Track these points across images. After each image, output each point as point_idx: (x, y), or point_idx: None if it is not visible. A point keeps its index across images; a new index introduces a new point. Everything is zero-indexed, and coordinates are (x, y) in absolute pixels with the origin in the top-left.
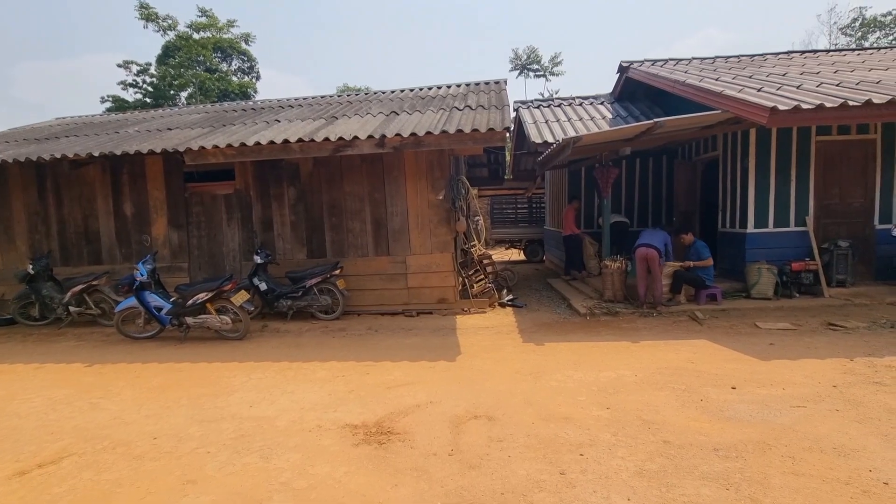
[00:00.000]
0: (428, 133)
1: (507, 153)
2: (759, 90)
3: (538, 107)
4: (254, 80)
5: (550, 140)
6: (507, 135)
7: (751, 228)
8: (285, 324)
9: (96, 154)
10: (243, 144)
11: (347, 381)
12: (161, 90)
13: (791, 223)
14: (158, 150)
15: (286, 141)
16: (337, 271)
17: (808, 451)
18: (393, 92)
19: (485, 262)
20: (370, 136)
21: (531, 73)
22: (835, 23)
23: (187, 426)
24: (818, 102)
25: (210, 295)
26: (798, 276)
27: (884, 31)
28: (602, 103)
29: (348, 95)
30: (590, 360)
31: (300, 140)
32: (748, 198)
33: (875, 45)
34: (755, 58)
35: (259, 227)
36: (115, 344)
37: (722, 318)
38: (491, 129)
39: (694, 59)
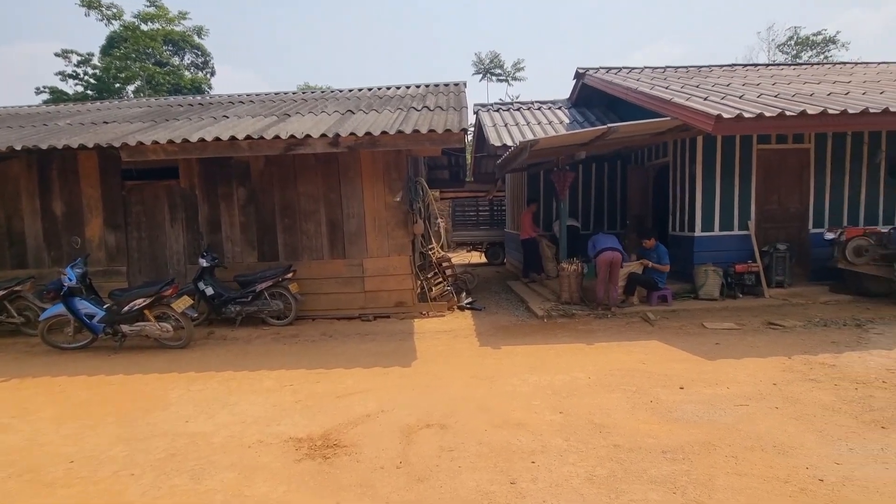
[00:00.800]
0: (384, 133)
1: (467, 155)
2: (705, 99)
3: (498, 110)
4: (208, 76)
5: (509, 143)
6: (465, 136)
7: (698, 232)
8: (233, 330)
9: (18, 147)
10: (186, 141)
11: (296, 391)
12: (105, 83)
13: (735, 227)
14: (90, 145)
15: (234, 138)
16: (289, 275)
17: (750, 449)
18: (350, 91)
19: (444, 264)
20: (323, 135)
21: (494, 78)
22: (773, 40)
23: (111, 446)
24: (758, 112)
25: (148, 301)
26: (741, 278)
27: (815, 50)
28: (559, 108)
29: (303, 93)
30: (545, 363)
31: (249, 137)
32: (696, 202)
33: (808, 61)
34: (702, 69)
35: (206, 228)
36: (39, 356)
37: (672, 319)
38: (448, 131)
39: (646, 68)
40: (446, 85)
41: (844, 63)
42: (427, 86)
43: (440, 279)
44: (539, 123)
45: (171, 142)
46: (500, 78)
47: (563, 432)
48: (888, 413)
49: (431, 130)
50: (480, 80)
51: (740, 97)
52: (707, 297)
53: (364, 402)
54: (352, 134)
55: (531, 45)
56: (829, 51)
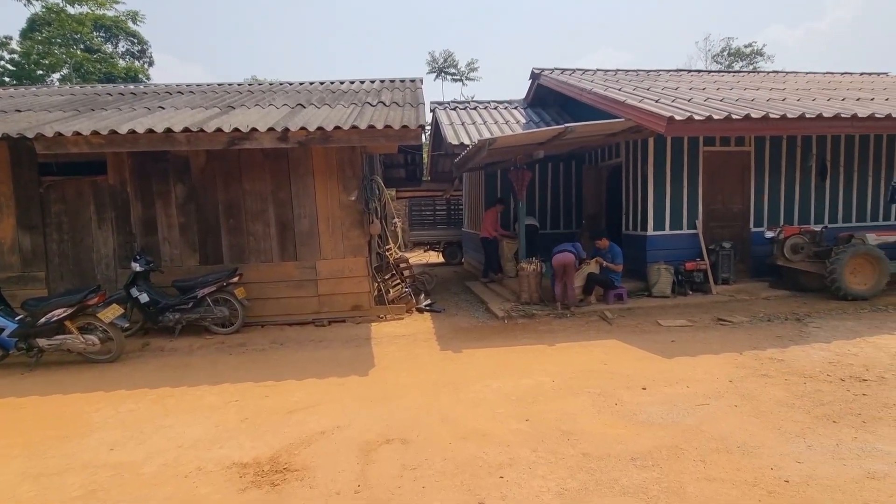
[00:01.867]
0: (337, 128)
1: (424, 154)
2: (657, 101)
3: (455, 109)
4: (145, 66)
5: (467, 142)
6: (423, 133)
7: (651, 231)
8: (172, 341)
9: None
10: (115, 133)
11: (241, 408)
12: (25, 69)
13: (684, 226)
14: None
15: (170, 131)
16: (235, 279)
17: (717, 452)
18: (301, 84)
19: (401, 265)
20: (271, 129)
21: (448, 77)
22: (709, 50)
23: (16, 485)
24: (707, 114)
25: (70, 311)
26: (691, 275)
27: (745, 60)
28: (516, 108)
29: (250, 84)
30: (508, 366)
31: (187, 130)
32: (648, 202)
33: (744, 70)
34: (651, 73)
35: (139, 229)
36: None
37: (628, 317)
38: (405, 127)
39: (598, 70)
40: (402, 81)
41: (777, 72)
42: (382, 81)
43: (398, 281)
44: (496, 123)
45: (96, 134)
46: (455, 77)
47: (531, 442)
48: (836, 407)
49: (388, 126)
50: (435, 79)
51: (689, 100)
52: (660, 294)
53: (318, 418)
54: (302, 128)
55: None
56: (756, 61)
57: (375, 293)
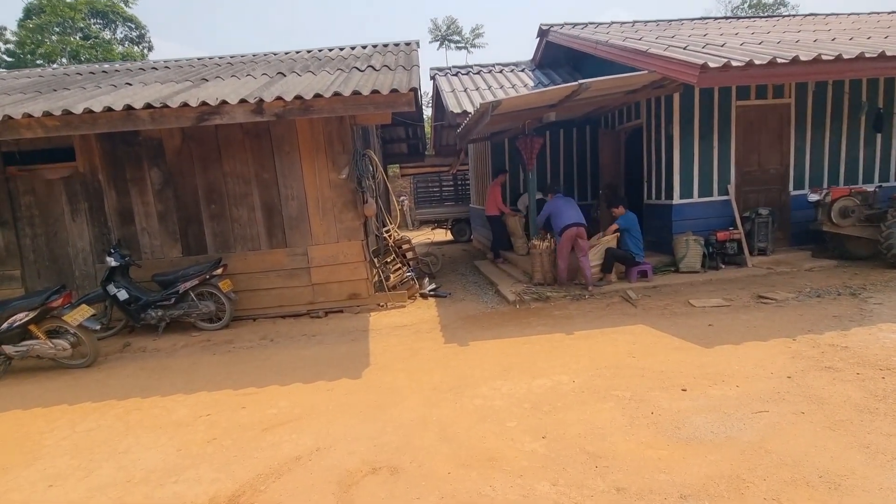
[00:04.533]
0: (317, 96)
1: (427, 127)
2: (685, 48)
3: (456, 74)
4: (145, 52)
5: (470, 110)
6: (416, 98)
7: (677, 199)
8: (155, 340)
9: None
10: (69, 113)
11: (212, 424)
12: (21, 59)
13: (714, 192)
14: None
15: (130, 108)
16: (219, 270)
17: (793, 485)
18: (286, 53)
19: (403, 247)
20: (243, 101)
21: (452, 45)
22: (729, 2)
23: None
24: (747, 59)
25: (32, 315)
26: (723, 247)
27: (769, 12)
28: (523, 70)
29: (231, 57)
30: (521, 362)
31: (149, 106)
32: (673, 167)
33: (779, 14)
34: (673, 22)
35: (115, 219)
36: None
37: (654, 297)
38: (395, 91)
39: (614, 23)
40: (396, 45)
41: (815, 14)
42: (375, 46)
43: (399, 264)
44: (501, 87)
45: (48, 114)
46: (459, 45)
47: (550, 469)
48: None
49: (375, 92)
50: (438, 48)
51: (722, 45)
52: (688, 269)
53: (297, 437)
54: (278, 98)
55: (488, 10)
56: (780, 13)
57: (375, 279)
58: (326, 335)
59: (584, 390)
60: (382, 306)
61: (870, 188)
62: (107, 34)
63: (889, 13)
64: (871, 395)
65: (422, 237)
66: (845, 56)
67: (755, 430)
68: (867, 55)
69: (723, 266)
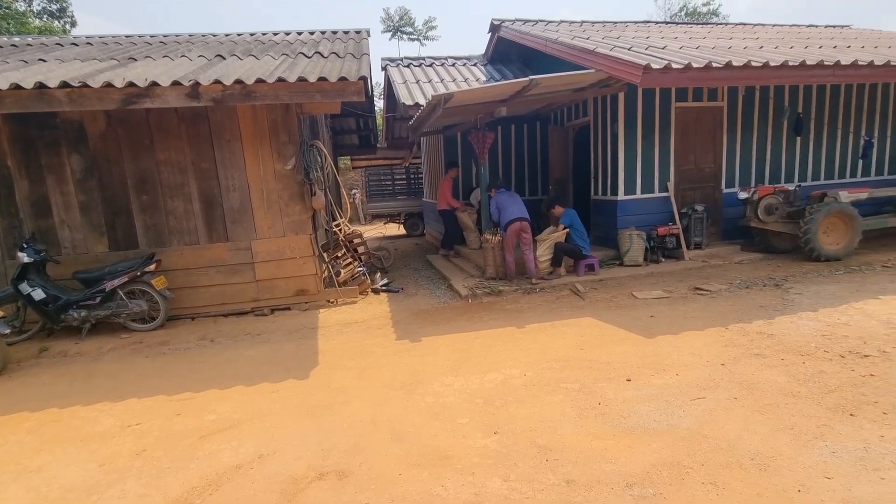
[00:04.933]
0: (260, 81)
1: (378, 119)
2: (629, 49)
3: (408, 66)
4: (66, 27)
5: (422, 102)
6: (367, 88)
7: (622, 196)
8: (78, 343)
9: None
10: None
11: (142, 434)
12: None
13: (655, 189)
14: None
15: (43, 86)
16: (152, 266)
17: (728, 467)
18: (227, 36)
19: (354, 241)
20: (176, 84)
21: (405, 37)
22: (668, 9)
23: None
24: (686, 62)
25: None
26: (663, 241)
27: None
28: (475, 65)
29: (165, 36)
30: (473, 356)
31: (67, 85)
32: (618, 164)
33: (714, 21)
34: (618, 24)
35: (28, 211)
36: None
37: (601, 290)
38: (343, 79)
39: (563, 21)
40: (346, 32)
41: (745, 24)
42: (323, 32)
43: (350, 259)
44: (454, 80)
45: None
46: (412, 37)
47: (502, 465)
48: (847, 394)
49: (322, 79)
50: (391, 39)
51: (663, 48)
52: (632, 263)
53: (237, 444)
54: (217, 82)
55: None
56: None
57: (324, 275)
58: (272, 334)
59: (534, 383)
60: (332, 303)
61: (791, 187)
62: (21, 5)
63: (808, 26)
64: (795, 380)
65: (374, 231)
66: (772, 63)
67: (694, 417)
68: (790, 63)
69: (663, 259)
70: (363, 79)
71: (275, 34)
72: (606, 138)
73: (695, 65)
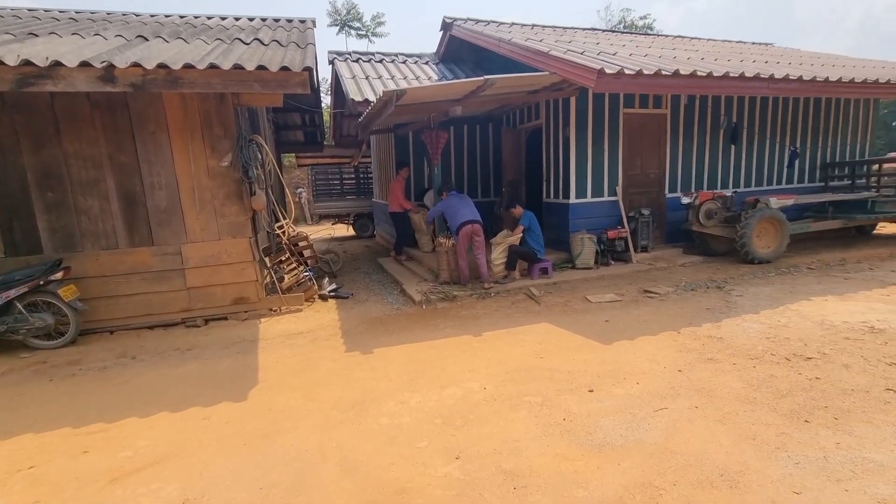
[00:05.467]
0: (188, 67)
1: (325, 115)
2: (582, 54)
3: (357, 60)
4: None
5: (372, 98)
6: (311, 80)
7: (573, 199)
8: None
9: None
10: None
11: (36, 480)
12: None
13: (605, 193)
14: None
15: None
16: (58, 274)
17: (700, 487)
18: (153, 16)
19: (300, 244)
20: (86, 64)
21: (352, 32)
22: (609, 20)
23: None
24: (638, 68)
25: None
26: (613, 244)
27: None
28: (427, 63)
29: (77, 12)
30: (429, 369)
31: None
32: (570, 168)
33: (656, 33)
34: (567, 29)
35: None
36: None
37: (556, 294)
38: (285, 69)
39: (515, 24)
40: (289, 21)
41: (683, 37)
42: (264, 19)
43: (294, 264)
44: (405, 78)
45: None
46: (360, 33)
47: (466, 496)
48: (799, 399)
49: (262, 67)
50: (338, 33)
51: (614, 55)
52: (584, 266)
53: (158, 486)
54: (136, 65)
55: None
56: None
57: (266, 281)
58: (205, 348)
59: (495, 398)
60: (275, 311)
61: (728, 193)
62: None
63: (737, 42)
64: (748, 385)
65: (323, 232)
66: (715, 73)
67: (659, 430)
68: (731, 74)
69: (612, 262)
70: (308, 70)
71: (209, 17)
72: (558, 141)
73: (646, 71)
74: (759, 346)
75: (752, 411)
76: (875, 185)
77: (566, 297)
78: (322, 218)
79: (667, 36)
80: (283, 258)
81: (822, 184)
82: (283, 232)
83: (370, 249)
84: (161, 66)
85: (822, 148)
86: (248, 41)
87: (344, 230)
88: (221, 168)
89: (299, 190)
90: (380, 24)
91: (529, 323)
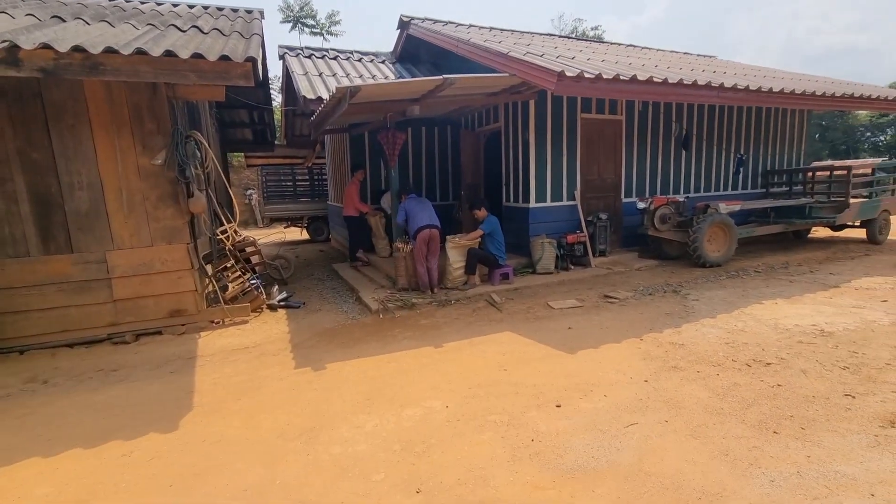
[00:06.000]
0: (110, 52)
1: (277, 113)
2: (541, 56)
3: (310, 56)
4: None
5: (325, 96)
6: (255, 72)
7: (533, 203)
8: None
9: None
10: None
11: None
12: None
13: (564, 198)
14: None
15: None
16: None
17: None
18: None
19: (247, 250)
20: None
21: (306, 30)
22: (562, 29)
23: None
24: (597, 72)
25: None
26: (572, 248)
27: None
28: (383, 62)
29: None
30: (387, 386)
31: None
32: (529, 172)
33: (610, 41)
34: (525, 34)
35: None
36: None
37: (517, 300)
38: (226, 59)
39: (473, 25)
40: (235, 10)
41: (635, 45)
42: (206, 7)
43: (240, 271)
44: (360, 76)
45: None
46: (315, 31)
47: None
48: (764, 408)
49: (198, 56)
50: (291, 30)
51: (572, 58)
52: (544, 270)
53: None
54: (46, 47)
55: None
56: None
57: (208, 290)
58: (133, 368)
59: (458, 417)
60: (218, 324)
61: (680, 198)
62: None
63: (684, 53)
64: (714, 394)
65: (275, 236)
66: (670, 80)
67: (631, 449)
68: (685, 82)
69: (572, 267)
70: (251, 60)
71: (142, 2)
72: (518, 145)
73: (605, 76)
74: (720, 351)
75: (721, 423)
76: (810, 191)
77: (528, 303)
78: (273, 221)
79: (620, 44)
80: (227, 265)
81: (764, 190)
82: (228, 237)
83: (325, 254)
84: (77, 49)
85: (762, 156)
86: (184, 28)
87: (297, 234)
88: (154, 167)
89: (249, 191)
90: (335, 23)
91: (492, 332)
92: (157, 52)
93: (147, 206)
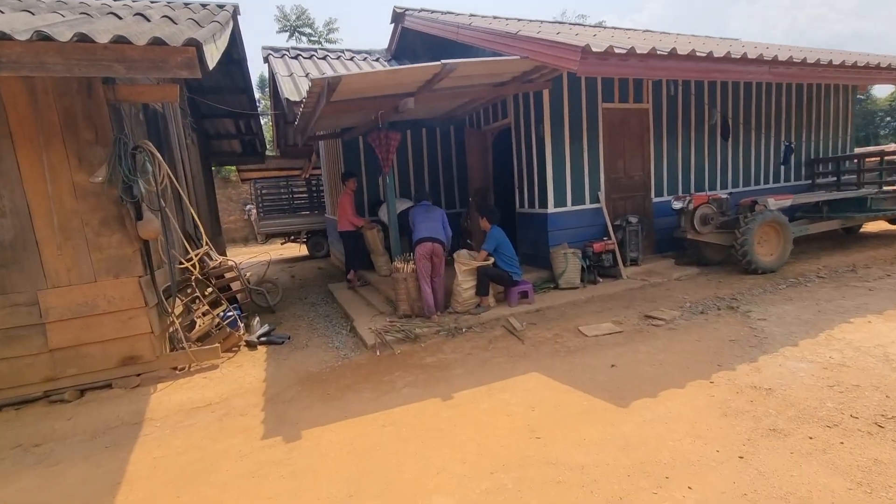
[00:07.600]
0: (5, 38)
1: (267, 121)
2: (557, 34)
3: (296, 56)
4: None
5: None
6: (201, 63)
7: (552, 208)
8: None
9: None
10: None
11: None
12: None
13: (586, 200)
14: None
15: None
16: None
17: None
18: None
19: (226, 276)
20: None
21: (304, 38)
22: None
23: None
24: (630, 46)
25: None
26: (600, 259)
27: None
28: (377, 59)
29: None
30: (378, 469)
31: None
32: (546, 173)
33: (629, 28)
34: (532, 21)
35: None
36: None
37: (541, 325)
38: (159, 42)
39: (474, 15)
40: (204, 5)
41: (652, 31)
42: (170, 2)
43: (207, 305)
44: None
45: None
46: (312, 39)
47: None
48: None
49: (121, 40)
50: (288, 39)
51: (594, 36)
52: (568, 285)
53: None
54: None
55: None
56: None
57: (171, 330)
58: (61, 441)
59: None
60: (182, 370)
61: (723, 195)
62: None
63: (705, 37)
64: (853, 482)
65: (273, 253)
66: (715, 54)
67: None
68: (733, 56)
69: (600, 279)
70: (193, 44)
71: None
72: (531, 142)
73: (639, 50)
74: (827, 400)
75: None
76: (866, 181)
77: (554, 328)
78: (270, 237)
79: (635, 30)
80: (195, 297)
81: (809, 181)
82: (194, 266)
83: (323, 272)
84: None
85: (805, 143)
86: (122, 16)
87: (296, 250)
88: (94, 185)
89: (248, 207)
90: (332, 30)
91: (515, 373)
92: (65, 36)
93: (87, 232)
